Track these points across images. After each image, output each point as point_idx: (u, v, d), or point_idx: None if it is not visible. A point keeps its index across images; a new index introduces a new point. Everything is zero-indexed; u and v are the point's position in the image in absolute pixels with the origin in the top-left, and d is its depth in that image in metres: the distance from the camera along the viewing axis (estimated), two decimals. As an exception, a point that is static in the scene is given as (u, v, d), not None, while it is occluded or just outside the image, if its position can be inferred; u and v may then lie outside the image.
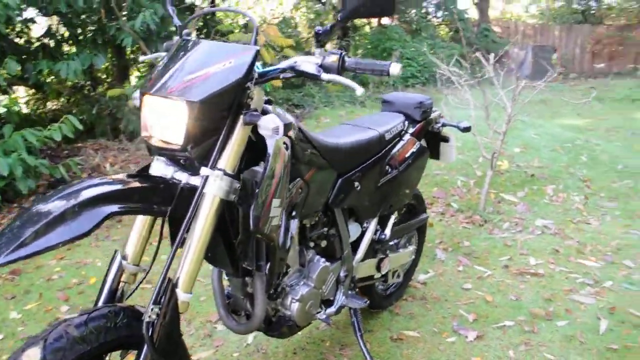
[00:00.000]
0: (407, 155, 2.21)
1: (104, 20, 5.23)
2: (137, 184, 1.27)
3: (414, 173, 2.29)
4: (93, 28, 5.54)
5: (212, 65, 1.30)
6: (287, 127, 1.40)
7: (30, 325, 2.45)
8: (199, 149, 1.31)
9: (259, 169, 1.44)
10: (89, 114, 5.82)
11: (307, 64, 1.38)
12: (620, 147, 5.68)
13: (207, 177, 1.31)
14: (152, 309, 1.24)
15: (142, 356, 1.25)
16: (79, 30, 5.57)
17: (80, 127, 4.11)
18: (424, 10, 13.86)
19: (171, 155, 1.35)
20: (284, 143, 1.47)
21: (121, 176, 1.32)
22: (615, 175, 4.60)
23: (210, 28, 6.00)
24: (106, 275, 1.41)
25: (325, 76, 1.33)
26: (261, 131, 1.35)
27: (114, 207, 1.19)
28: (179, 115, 1.27)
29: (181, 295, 1.30)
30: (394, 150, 2.15)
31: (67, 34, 5.60)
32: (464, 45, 7.66)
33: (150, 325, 1.24)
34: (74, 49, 5.50)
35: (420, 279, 2.85)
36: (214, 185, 1.32)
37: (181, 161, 1.35)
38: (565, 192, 4.19)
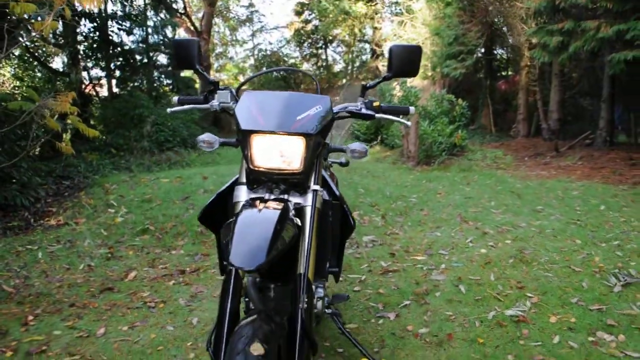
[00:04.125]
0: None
1: None
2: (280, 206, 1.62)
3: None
4: None
5: (310, 109, 1.73)
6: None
7: None
8: (307, 171, 1.73)
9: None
10: None
11: (356, 107, 1.93)
12: (373, 181, 7.25)
13: (316, 191, 1.73)
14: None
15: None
16: None
17: None
18: (155, 77, 14.38)
19: (286, 178, 1.71)
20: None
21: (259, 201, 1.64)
22: (389, 199, 5.98)
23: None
24: (224, 296, 1.64)
25: (378, 115, 1.91)
26: (351, 153, 1.84)
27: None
28: (298, 146, 1.67)
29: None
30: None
31: None
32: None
33: (304, 312, 1.59)
34: None
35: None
36: (318, 199, 1.75)
37: (293, 182, 1.73)
38: (366, 215, 5.30)
